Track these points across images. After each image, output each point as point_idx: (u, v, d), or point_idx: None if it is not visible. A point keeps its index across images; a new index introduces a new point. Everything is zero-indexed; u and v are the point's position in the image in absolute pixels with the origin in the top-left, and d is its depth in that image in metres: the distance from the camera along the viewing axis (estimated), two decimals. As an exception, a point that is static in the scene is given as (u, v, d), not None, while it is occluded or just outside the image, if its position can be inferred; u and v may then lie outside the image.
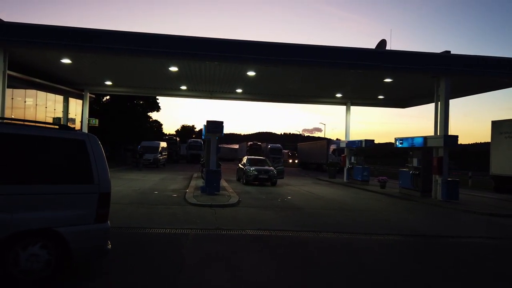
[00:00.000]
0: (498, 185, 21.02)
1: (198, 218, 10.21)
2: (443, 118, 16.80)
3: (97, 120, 26.90)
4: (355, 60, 16.40)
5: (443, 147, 16.25)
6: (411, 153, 18.85)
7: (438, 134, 17.04)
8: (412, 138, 18.37)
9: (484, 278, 6.18)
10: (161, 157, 36.62)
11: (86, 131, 24.94)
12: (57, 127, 5.40)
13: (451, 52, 16.86)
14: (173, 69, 18.22)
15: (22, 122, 5.17)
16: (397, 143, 19.90)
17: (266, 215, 11.27)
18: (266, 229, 9.12)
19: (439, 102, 17.31)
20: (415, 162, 18.24)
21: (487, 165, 21.99)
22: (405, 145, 19.10)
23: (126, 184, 18.25)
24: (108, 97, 46.29)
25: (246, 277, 5.68)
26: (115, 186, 16.75)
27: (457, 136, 16.31)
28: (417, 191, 17.71)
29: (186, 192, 15.52)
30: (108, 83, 24.09)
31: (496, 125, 20.90)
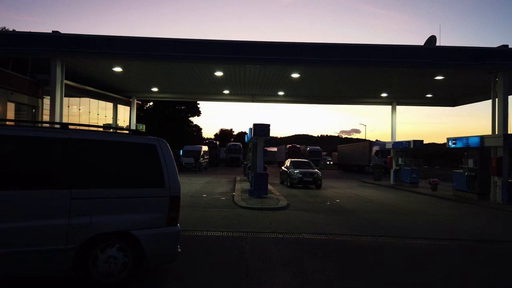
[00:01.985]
0: None
1: (252, 221, 10.20)
2: (501, 116, 15.88)
3: (144, 126, 27.81)
4: (404, 58, 15.90)
5: (502, 147, 15.33)
6: (465, 153, 17.93)
7: (497, 133, 16.11)
8: (467, 137, 17.47)
9: None
10: (203, 161, 37.22)
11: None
12: (127, 132, 5.56)
13: (509, 46, 15.91)
14: (218, 74, 18.47)
15: (96, 128, 5.36)
16: (450, 143, 19.01)
17: (319, 219, 11.07)
18: (323, 233, 8.95)
19: (496, 99, 16.40)
20: (470, 163, 17.33)
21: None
22: (459, 145, 18.20)
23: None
24: (151, 103, 47.79)
25: (313, 281, 5.56)
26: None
27: (518, 135, 15.34)
28: (474, 194, 16.82)
29: (233, 195, 15.61)
30: (154, 89, 24.84)
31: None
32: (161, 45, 15.44)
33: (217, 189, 18.52)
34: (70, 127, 4.99)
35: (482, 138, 16.39)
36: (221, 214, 11.28)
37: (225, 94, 24.74)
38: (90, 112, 22.71)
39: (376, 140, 45.25)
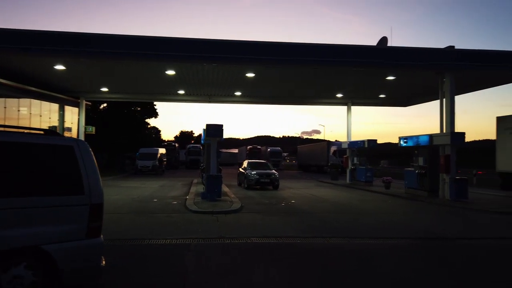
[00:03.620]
0: (505, 182, 20.53)
1: (200, 227, 9.70)
2: (449, 115, 16.36)
3: (93, 128, 26.42)
4: (357, 57, 15.97)
5: (450, 145, 15.79)
6: (416, 152, 18.37)
7: (444, 131, 16.59)
8: (417, 136, 17.90)
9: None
10: (160, 164, 36.09)
11: (83, 139, 24.46)
12: (42, 132, 4.90)
13: (455, 47, 16.44)
14: (170, 72, 17.74)
15: (3, 128, 4.67)
16: (401, 142, 19.43)
17: (271, 221, 10.75)
18: (273, 236, 8.60)
19: (444, 99, 16.89)
20: (420, 161, 17.76)
21: (489, 163, 21.53)
22: (410, 144, 18.63)
23: (124, 192, 17.72)
24: (105, 104, 45.83)
25: (255, 292, 5.17)
26: (113, 195, 16.25)
27: (464, 133, 15.87)
28: (424, 191, 17.23)
29: (186, 199, 15.00)
30: (104, 89, 23.60)
31: (502, 121, 20.45)
32: (105, 42, 14.53)
33: (170, 193, 17.79)
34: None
35: (431, 136, 16.83)
36: (169, 220, 10.68)
37: (180, 94, 23.96)
38: (32, 114, 21.15)
39: (335, 140, 46.01)
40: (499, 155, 20.41)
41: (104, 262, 4.81)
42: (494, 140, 21.28)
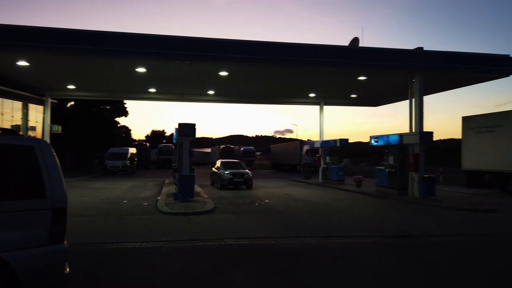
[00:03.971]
0: (470, 180, 21.29)
1: (172, 229, 9.44)
2: (418, 115, 16.77)
3: (60, 127, 25.39)
4: (330, 57, 16.11)
5: (419, 144, 16.18)
6: (386, 151, 18.73)
7: (414, 131, 17.00)
8: (388, 136, 18.27)
9: (494, 278, 5.81)
10: (130, 164, 35.23)
11: (48, 139, 23.45)
12: (-1, 131, 4.55)
13: (424, 49, 16.87)
14: (141, 70, 17.26)
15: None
16: (372, 141, 19.78)
17: (245, 222, 10.63)
18: (247, 237, 8.48)
19: (413, 99, 17.31)
20: (391, 160, 18.12)
21: (455, 161, 22.25)
22: (381, 143, 18.99)
23: (92, 194, 17.11)
24: (72, 102, 44.27)
25: (229, 296, 5.03)
26: (80, 196, 15.66)
27: (432, 133, 16.29)
28: (394, 189, 17.59)
29: (158, 199, 14.63)
30: (71, 87, 22.72)
31: (467, 121, 21.18)
32: (71, 37, 13.93)
33: (141, 194, 17.33)
34: None
35: (401, 136, 17.21)
36: (139, 222, 10.35)
37: (151, 92, 23.41)
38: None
39: (308, 139, 46.41)
40: (464, 154, 21.13)
41: (68, 269, 4.53)
42: (460, 139, 22.03)
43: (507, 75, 17.17)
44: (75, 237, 7.57)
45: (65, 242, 4.47)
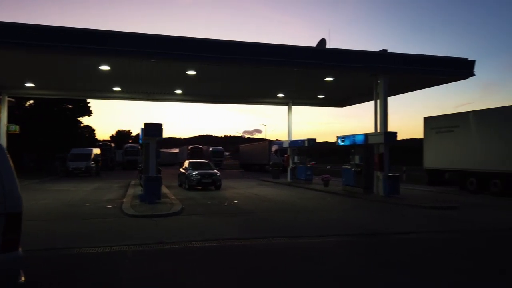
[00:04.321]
0: (431, 178, 22.15)
1: (138, 232, 9.15)
2: (382, 116, 17.21)
3: (17, 127, 24.14)
4: (298, 58, 16.21)
5: (383, 144, 16.61)
6: (352, 150, 19.10)
7: (378, 131, 17.44)
8: (354, 135, 18.64)
9: (452, 273, 5.99)
10: (94, 165, 34.08)
11: (4, 139, 22.24)
12: None
13: (388, 51, 17.34)
14: (104, 68, 16.68)
15: None
16: (339, 141, 20.12)
17: (213, 223, 10.48)
18: (215, 238, 8.35)
19: (378, 100, 17.74)
20: (357, 159, 18.50)
21: (417, 160, 23.05)
22: (347, 143, 19.35)
23: (53, 196, 16.36)
24: (31, 101, 42.25)
25: (197, 300, 4.90)
26: (40, 199, 14.94)
27: (396, 133, 16.78)
28: (360, 188, 17.96)
29: (123, 202, 14.18)
30: (30, 85, 21.61)
31: (428, 121, 22.01)
32: (29, 33, 13.24)
33: (105, 196, 16.75)
34: None
35: (366, 136, 17.61)
36: (103, 226, 9.97)
37: (116, 91, 22.69)
38: None
39: (277, 139, 46.68)
40: (426, 153, 21.94)
41: (23, 278, 4.24)
42: (422, 139, 22.85)
43: (466, 77, 17.98)
44: (33, 243, 7.18)
45: (20, 249, 4.19)
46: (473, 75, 17.70)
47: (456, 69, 17.79)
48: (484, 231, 9.74)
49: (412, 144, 64.90)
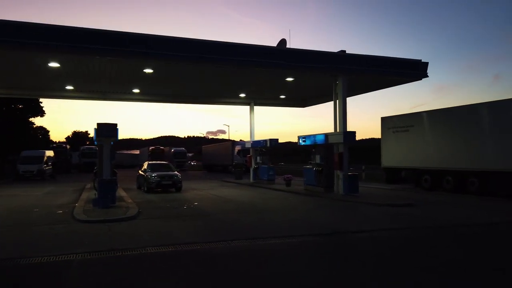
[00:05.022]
0: (389, 176, 22.80)
1: (89, 239, 8.60)
2: (341, 116, 17.44)
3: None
4: (259, 58, 16.08)
5: (343, 143, 16.83)
6: (313, 150, 19.25)
7: (338, 131, 17.66)
8: (314, 135, 18.79)
9: (412, 270, 6.01)
10: (47, 168, 32.30)
11: None
12: None
13: (346, 52, 17.61)
14: (54, 65, 15.72)
15: None
16: (300, 141, 20.23)
17: (171, 227, 10.09)
18: (172, 244, 7.98)
19: (337, 100, 17.97)
20: (317, 158, 18.65)
21: (375, 159, 23.66)
22: (308, 142, 19.48)
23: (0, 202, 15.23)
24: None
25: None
26: (-18, 207, 13.82)
27: (354, 132, 17.06)
28: (321, 187, 18.12)
29: (75, 206, 13.40)
30: (-28, 82, 20.11)
31: (385, 121, 22.63)
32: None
33: (56, 201, 15.79)
34: None
35: (326, 135, 17.79)
36: (51, 233, 9.31)
37: (68, 90, 21.54)
38: None
39: (240, 140, 46.59)
40: (383, 152, 22.55)
41: None
42: (380, 139, 23.47)
43: (420, 79, 18.61)
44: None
45: None
46: (426, 76, 18.36)
47: (411, 70, 18.38)
48: (442, 227, 10.01)
49: (371, 143, 67.00)
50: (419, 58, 18.62)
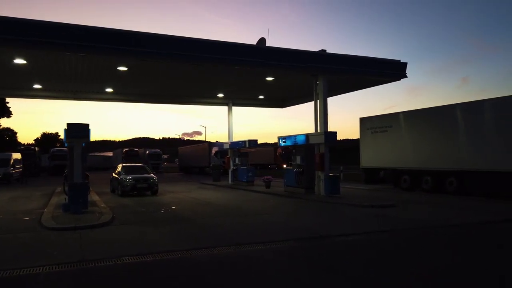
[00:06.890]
0: (368, 177, 22.81)
1: (57, 248, 7.91)
2: (322, 116, 17.23)
3: None
4: (238, 56, 15.65)
5: (324, 144, 16.61)
6: (294, 151, 18.97)
7: (319, 131, 17.44)
8: (295, 136, 18.50)
9: (401, 275, 5.72)
10: (14, 171, 30.68)
11: None
12: None
13: (327, 51, 17.42)
14: (20, 61, 14.75)
15: None
16: (281, 142, 19.90)
17: (148, 234, 9.48)
18: (150, 252, 7.40)
19: (318, 101, 17.75)
20: (298, 159, 18.38)
21: (354, 159, 23.66)
22: (288, 143, 19.18)
23: (-43, 210, 14.08)
24: None
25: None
26: None
27: (336, 133, 16.88)
28: (302, 188, 17.85)
29: (43, 212, 12.52)
30: None
31: (364, 122, 22.64)
32: None
33: (23, 206, 14.79)
34: None
35: (307, 136, 17.53)
36: (15, 242, 8.55)
37: (36, 89, 20.42)
38: None
39: (217, 141, 46.01)
40: (362, 152, 22.55)
41: None
42: (358, 139, 23.48)
43: (399, 79, 18.66)
44: None
45: None
46: (405, 76, 18.43)
47: (391, 71, 18.40)
48: (424, 228, 9.88)
49: (348, 144, 67.76)
50: (397, 59, 18.67)
